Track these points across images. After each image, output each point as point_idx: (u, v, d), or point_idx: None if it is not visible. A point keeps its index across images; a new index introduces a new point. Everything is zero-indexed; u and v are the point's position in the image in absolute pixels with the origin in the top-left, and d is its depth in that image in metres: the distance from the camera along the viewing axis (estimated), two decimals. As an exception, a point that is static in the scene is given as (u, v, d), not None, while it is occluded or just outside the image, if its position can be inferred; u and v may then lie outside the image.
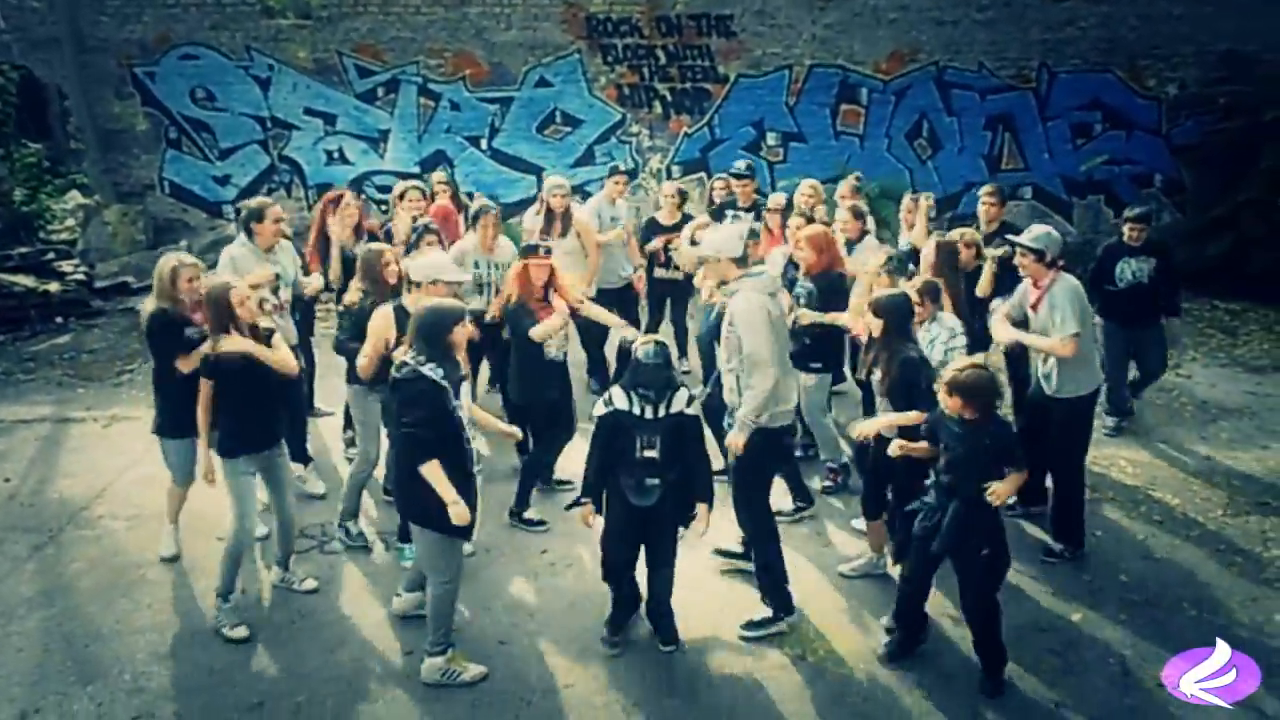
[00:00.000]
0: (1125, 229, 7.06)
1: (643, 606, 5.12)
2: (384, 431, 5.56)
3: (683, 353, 8.37)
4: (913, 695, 4.66)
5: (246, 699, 4.68)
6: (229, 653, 5.02)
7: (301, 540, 5.91)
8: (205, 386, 5.08)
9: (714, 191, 8.67)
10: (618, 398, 4.74)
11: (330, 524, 6.08)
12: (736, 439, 4.91)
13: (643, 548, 4.94)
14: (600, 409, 4.80)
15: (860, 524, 5.84)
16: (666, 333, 8.06)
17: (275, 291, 6.26)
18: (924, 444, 4.71)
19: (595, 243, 7.77)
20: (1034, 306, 5.69)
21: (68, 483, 6.88)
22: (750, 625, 5.07)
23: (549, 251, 6.10)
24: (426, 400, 4.41)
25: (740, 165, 8.56)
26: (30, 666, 4.94)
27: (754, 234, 6.57)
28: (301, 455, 6.63)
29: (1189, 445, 7.24)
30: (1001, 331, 5.86)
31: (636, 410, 4.69)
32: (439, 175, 8.98)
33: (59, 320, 10.35)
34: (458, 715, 4.56)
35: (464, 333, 4.65)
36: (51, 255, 11.14)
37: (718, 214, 7.88)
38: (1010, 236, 6.00)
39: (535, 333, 5.91)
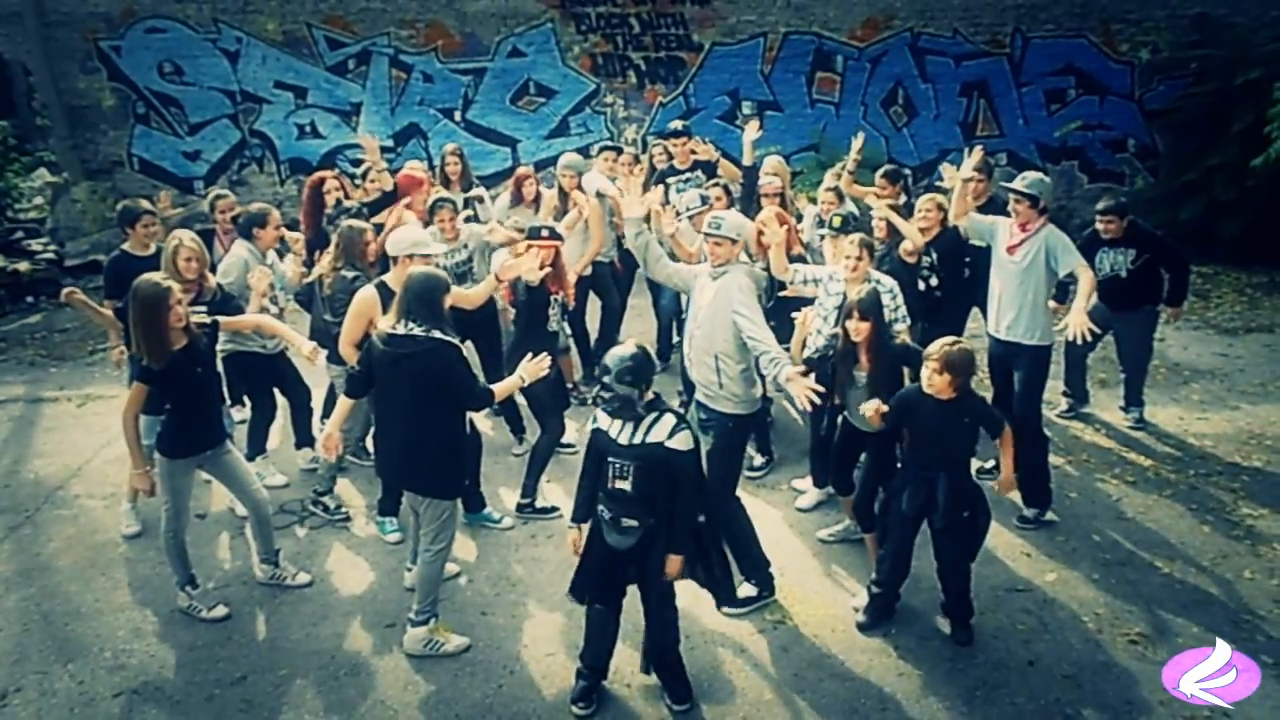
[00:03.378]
0: (1097, 222, 6.74)
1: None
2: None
3: (674, 336, 8.05)
4: (890, 657, 4.74)
5: (229, 674, 4.68)
6: (210, 629, 5.03)
7: (283, 516, 5.92)
8: (136, 392, 4.71)
9: (654, 159, 8.23)
10: (601, 414, 4.26)
11: (309, 499, 6.08)
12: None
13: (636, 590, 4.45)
14: (589, 425, 4.37)
15: (800, 483, 6.18)
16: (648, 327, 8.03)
17: (274, 300, 6.12)
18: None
19: (599, 219, 7.36)
20: (1011, 249, 5.73)
21: (42, 462, 6.83)
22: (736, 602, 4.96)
23: (553, 234, 5.94)
24: (457, 362, 4.44)
25: (674, 124, 8.28)
26: (10, 646, 4.93)
27: (704, 200, 6.66)
28: (308, 440, 6.58)
29: (1161, 407, 7.34)
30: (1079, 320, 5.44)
31: (614, 431, 4.17)
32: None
33: (29, 300, 10.25)
34: (441, 685, 4.59)
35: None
36: (20, 234, 11.01)
37: (659, 181, 7.73)
38: (1004, 184, 6.02)
39: (501, 270, 5.70)
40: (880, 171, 7.46)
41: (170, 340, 4.63)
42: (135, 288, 4.62)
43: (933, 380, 4.52)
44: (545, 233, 5.90)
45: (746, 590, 5.09)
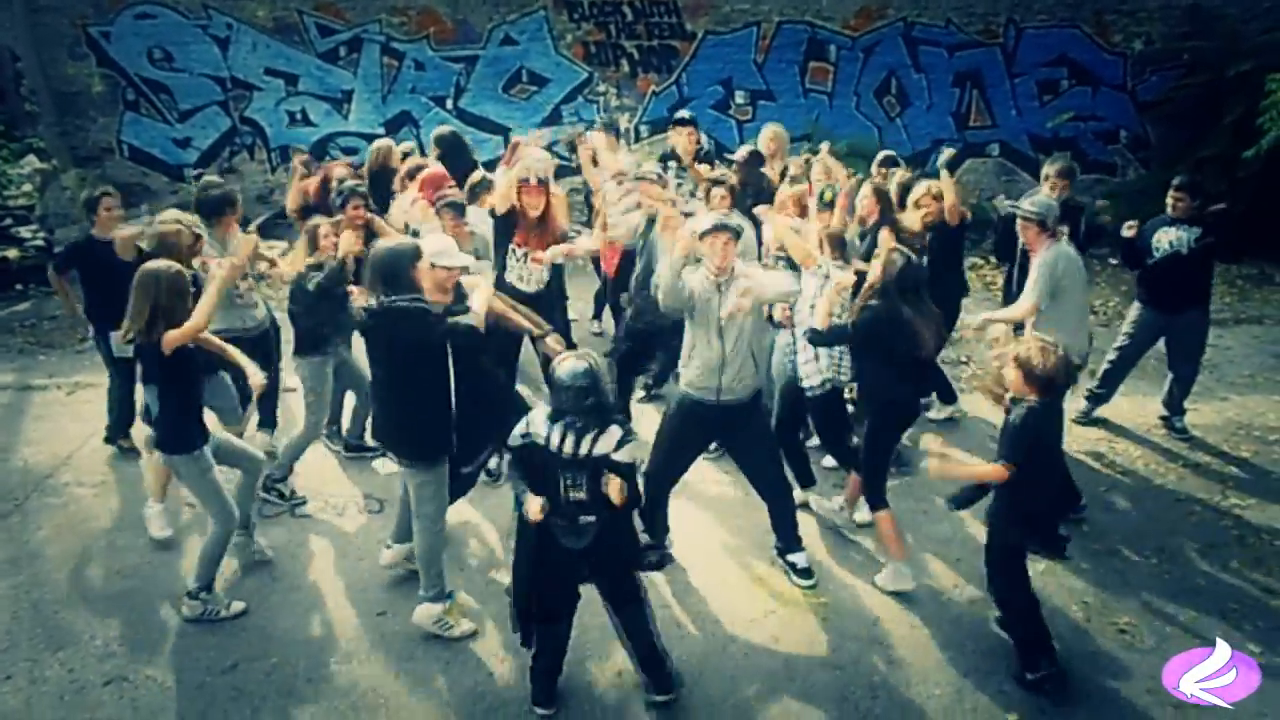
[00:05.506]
0: (1167, 197, 6.46)
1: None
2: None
3: None
4: (880, 646, 4.77)
5: (220, 662, 4.68)
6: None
7: (271, 505, 5.91)
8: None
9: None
10: (536, 424, 4.08)
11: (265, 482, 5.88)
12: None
13: (589, 590, 4.37)
14: (516, 433, 4.15)
15: (829, 460, 6.19)
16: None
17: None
18: None
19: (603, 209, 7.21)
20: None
21: (31, 450, 6.80)
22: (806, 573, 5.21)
23: (543, 182, 5.98)
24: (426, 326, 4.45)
25: (681, 112, 8.28)
26: (-1, 634, 4.92)
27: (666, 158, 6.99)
28: (270, 422, 6.63)
29: (1151, 398, 7.35)
30: (974, 320, 5.90)
31: (555, 443, 3.99)
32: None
33: (18, 287, 10.16)
34: (432, 672, 4.60)
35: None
36: (9, 221, 10.89)
37: (662, 164, 7.68)
38: (1010, 203, 6.03)
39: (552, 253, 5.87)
40: (877, 159, 7.49)
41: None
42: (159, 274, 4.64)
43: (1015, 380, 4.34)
44: (534, 180, 5.94)
45: (801, 557, 5.26)
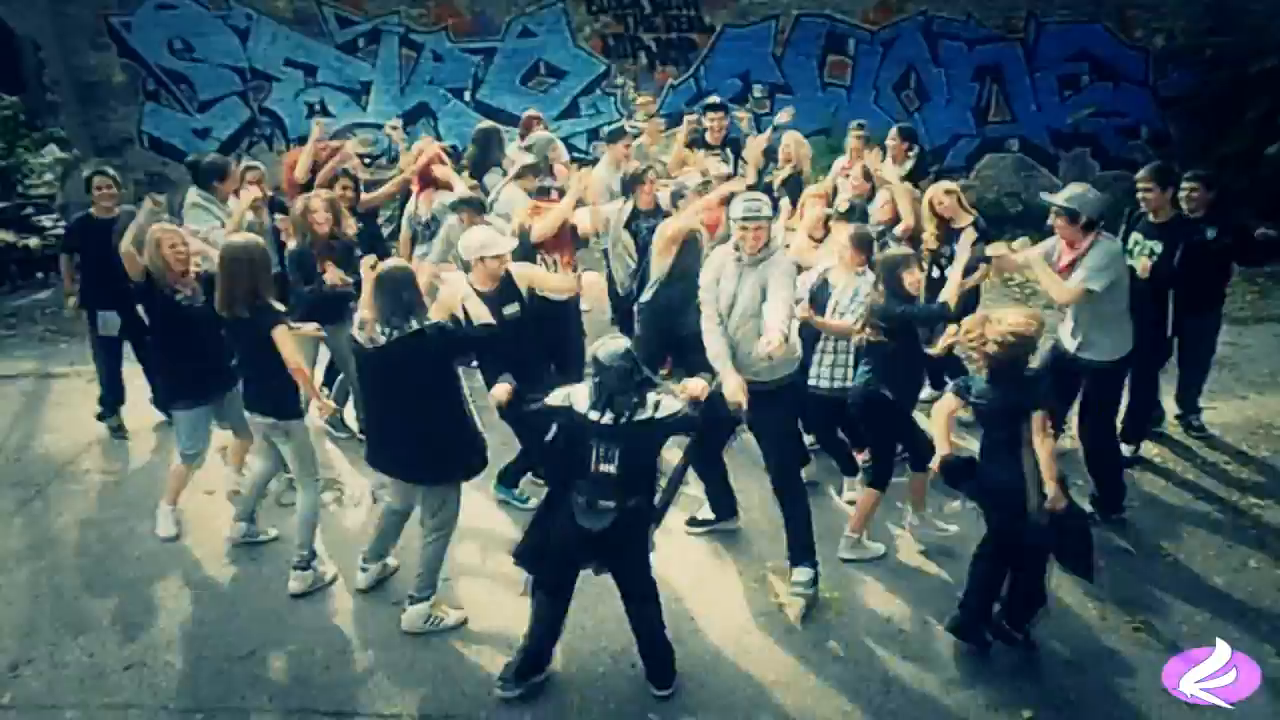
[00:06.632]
0: (1180, 190, 6.04)
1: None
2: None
3: None
4: (895, 641, 4.77)
5: (238, 648, 4.73)
6: (219, 604, 5.08)
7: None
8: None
9: (689, 129, 8.28)
10: (577, 396, 4.17)
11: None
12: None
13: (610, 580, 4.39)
14: (557, 397, 4.23)
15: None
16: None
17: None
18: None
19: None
20: (1063, 271, 5.32)
21: (53, 438, 6.88)
22: (796, 585, 4.99)
23: (561, 193, 6.00)
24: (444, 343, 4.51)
25: (712, 98, 8.44)
26: (21, 619, 4.98)
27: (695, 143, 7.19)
28: None
29: (1168, 396, 7.29)
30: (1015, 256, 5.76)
31: (595, 414, 4.08)
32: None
33: (39, 275, 10.26)
34: (449, 660, 4.63)
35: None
36: (30, 210, 10.99)
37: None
38: (1044, 195, 5.67)
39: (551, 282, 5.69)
40: (893, 131, 7.52)
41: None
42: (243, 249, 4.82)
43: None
44: (555, 193, 5.92)
45: (803, 574, 5.00)
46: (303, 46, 11.56)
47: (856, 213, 6.18)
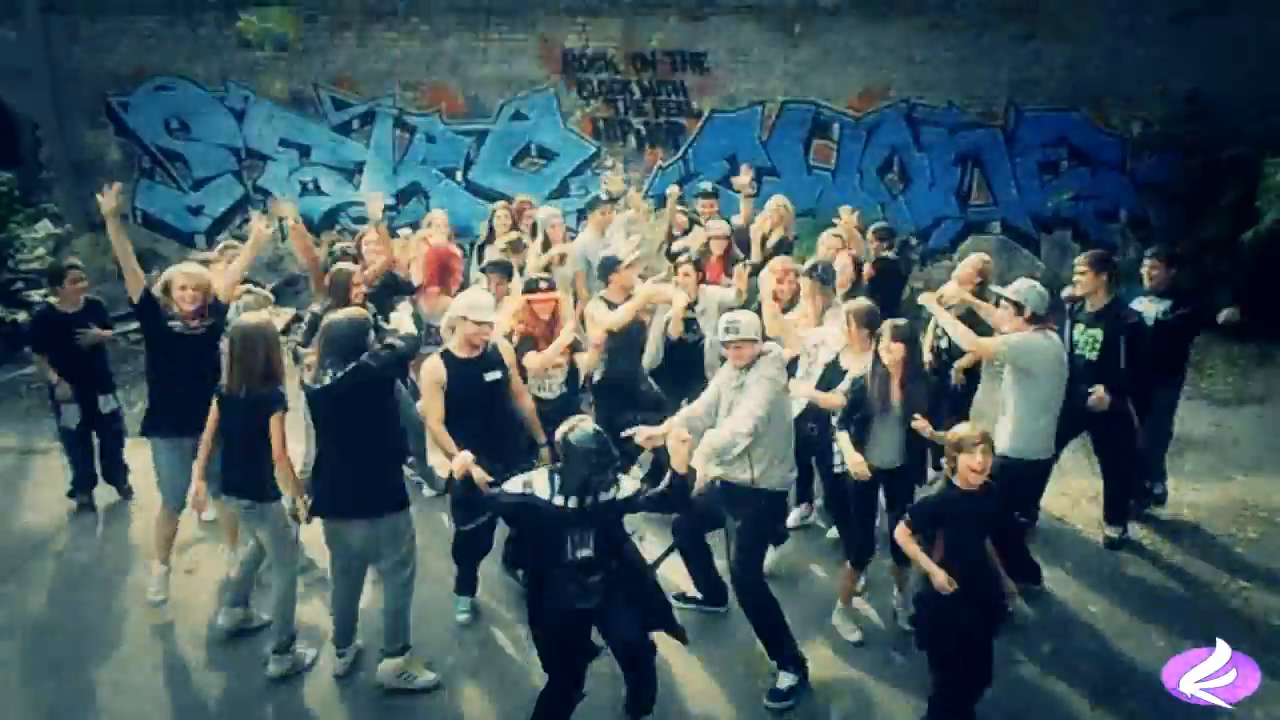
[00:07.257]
0: (1143, 267, 6.45)
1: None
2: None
3: None
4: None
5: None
6: (195, 689, 4.98)
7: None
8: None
9: (674, 219, 8.51)
10: (537, 484, 4.07)
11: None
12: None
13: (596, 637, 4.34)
14: (514, 486, 4.12)
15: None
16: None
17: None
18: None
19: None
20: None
21: (33, 515, 6.78)
22: (776, 695, 4.84)
23: (552, 285, 5.85)
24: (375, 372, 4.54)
25: (705, 185, 8.65)
26: (-11, 703, 4.86)
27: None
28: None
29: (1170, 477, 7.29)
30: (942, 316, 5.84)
31: (559, 500, 4.00)
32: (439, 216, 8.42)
33: (27, 349, 10.21)
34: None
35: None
36: (20, 285, 11.01)
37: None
38: (993, 287, 5.99)
39: (530, 361, 5.60)
40: (872, 228, 7.63)
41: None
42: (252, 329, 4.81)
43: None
44: (544, 284, 5.79)
45: (787, 679, 4.89)
46: (298, 126, 11.76)
47: (819, 269, 6.19)
